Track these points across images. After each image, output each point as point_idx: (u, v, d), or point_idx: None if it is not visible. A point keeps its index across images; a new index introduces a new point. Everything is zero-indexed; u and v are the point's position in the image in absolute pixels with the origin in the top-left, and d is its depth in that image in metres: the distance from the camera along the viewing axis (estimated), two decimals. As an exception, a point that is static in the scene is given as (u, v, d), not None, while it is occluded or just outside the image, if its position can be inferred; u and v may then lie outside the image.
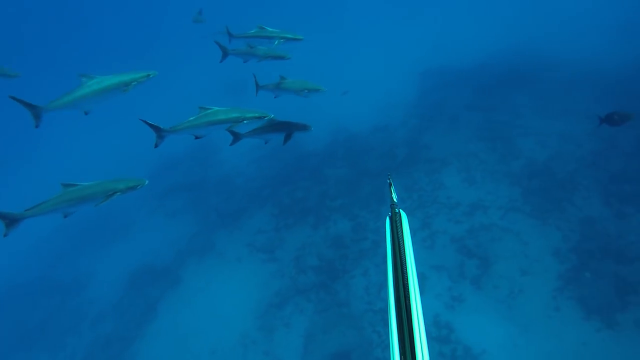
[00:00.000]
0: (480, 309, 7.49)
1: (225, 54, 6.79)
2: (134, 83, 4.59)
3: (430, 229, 9.09)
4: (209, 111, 4.81)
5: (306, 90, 6.16)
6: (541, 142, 10.14)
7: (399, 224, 1.27)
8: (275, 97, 6.53)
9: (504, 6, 21.02)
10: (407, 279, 1.05)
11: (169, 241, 11.75)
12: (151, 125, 4.77)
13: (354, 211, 10.16)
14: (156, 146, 4.83)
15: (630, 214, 8.07)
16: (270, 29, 6.60)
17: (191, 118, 4.86)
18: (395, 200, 1.52)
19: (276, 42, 6.52)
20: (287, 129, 5.38)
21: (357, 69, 19.03)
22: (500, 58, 15.53)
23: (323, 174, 11.82)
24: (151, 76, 4.71)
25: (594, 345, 6.48)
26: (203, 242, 11.16)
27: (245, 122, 4.87)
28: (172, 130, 4.84)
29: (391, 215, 1.35)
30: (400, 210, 1.35)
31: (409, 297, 1.00)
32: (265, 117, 4.91)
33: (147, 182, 4.65)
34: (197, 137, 4.95)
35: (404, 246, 1.17)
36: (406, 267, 1.08)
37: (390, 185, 1.59)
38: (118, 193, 4.52)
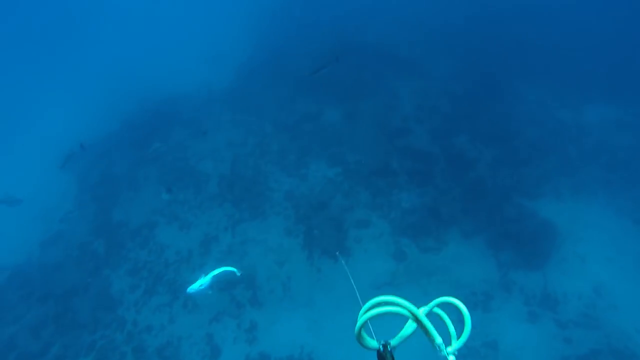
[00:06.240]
0: (275, 319, 7.47)
1: None
2: None
3: (182, 296, 8.15)
4: None
5: None
6: (218, 158, 10.89)
7: None
8: None
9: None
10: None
11: None
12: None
13: None
14: None
15: (306, 174, 9.96)
16: None
17: None
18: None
19: None
20: None
21: None
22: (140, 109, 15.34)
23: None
24: None
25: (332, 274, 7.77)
26: None
27: None
28: None
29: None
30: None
31: None
32: None
33: None
34: None
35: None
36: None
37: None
38: None
